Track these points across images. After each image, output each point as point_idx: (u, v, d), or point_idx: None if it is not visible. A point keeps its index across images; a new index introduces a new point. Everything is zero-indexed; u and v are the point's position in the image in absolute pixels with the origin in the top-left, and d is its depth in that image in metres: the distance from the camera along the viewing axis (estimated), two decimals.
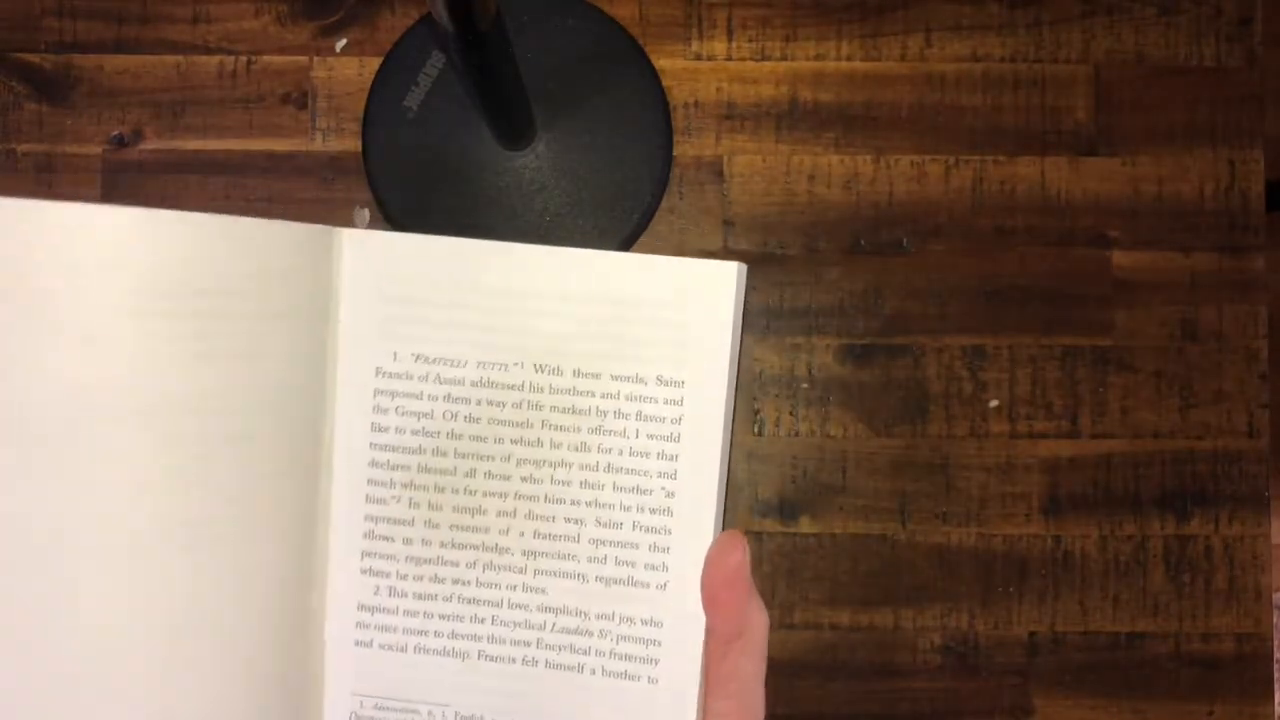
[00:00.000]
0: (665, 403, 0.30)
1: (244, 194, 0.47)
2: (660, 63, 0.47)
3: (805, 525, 0.47)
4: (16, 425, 0.25)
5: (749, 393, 0.47)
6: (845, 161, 0.47)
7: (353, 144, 0.47)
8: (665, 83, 0.47)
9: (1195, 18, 0.48)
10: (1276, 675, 0.47)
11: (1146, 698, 0.47)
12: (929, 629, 0.47)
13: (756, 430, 0.47)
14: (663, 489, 0.30)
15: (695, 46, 0.48)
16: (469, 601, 0.30)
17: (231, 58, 0.47)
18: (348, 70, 0.47)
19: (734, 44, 0.47)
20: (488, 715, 0.30)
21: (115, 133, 0.47)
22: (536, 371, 0.30)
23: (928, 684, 0.46)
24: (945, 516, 0.47)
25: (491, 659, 0.30)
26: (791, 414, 0.47)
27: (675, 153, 0.47)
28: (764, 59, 0.47)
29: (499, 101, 0.41)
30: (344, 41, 0.48)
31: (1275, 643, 0.47)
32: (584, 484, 0.30)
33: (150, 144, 0.47)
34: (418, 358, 0.30)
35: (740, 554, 0.30)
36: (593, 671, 0.30)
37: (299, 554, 0.30)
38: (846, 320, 0.47)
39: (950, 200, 0.47)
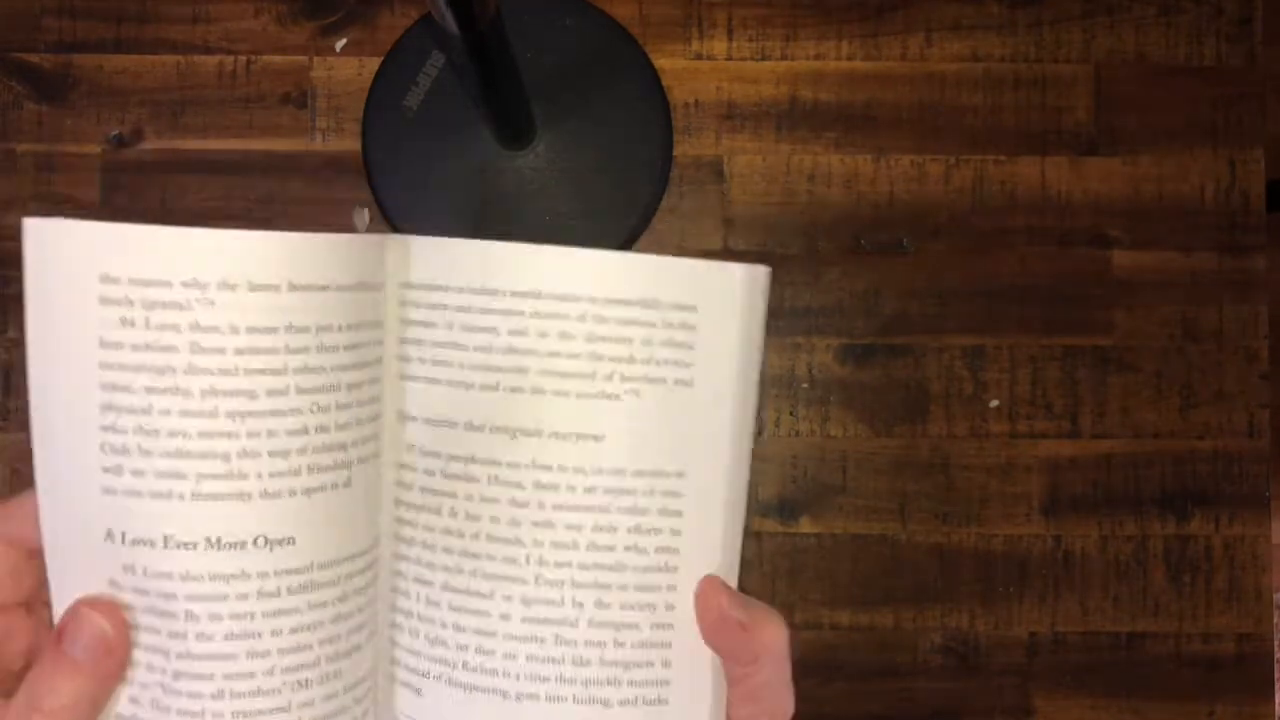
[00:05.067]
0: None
1: (244, 194, 0.47)
2: (660, 63, 0.47)
3: (805, 525, 0.47)
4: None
5: None
6: (845, 161, 0.47)
7: (353, 144, 0.47)
8: (665, 83, 0.47)
9: (1195, 17, 0.47)
10: (1277, 675, 0.47)
11: (1146, 698, 0.47)
12: (929, 629, 0.47)
13: (757, 430, 0.47)
14: (663, 511, 0.29)
15: (695, 46, 0.47)
16: (465, 631, 0.30)
17: (231, 58, 0.47)
18: (347, 70, 0.47)
19: (734, 44, 0.47)
20: None
21: (115, 132, 0.47)
22: (512, 438, 0.29)
23: (928, 684, 0.46)
24: (945, 516, 0.47)
25: (488, 691, 0.30)
26: (791, 414, 0.47)
27: (675, 153, 0.47)
28: (764, 59, 0.47)
29: (499, 101, 0.41)
30: (344, 41, 0.48)
31: (1275, 643, 0.47)
32: (587, 508, 0.29)
33: (150, 144, 0.47)
34: (422, 419, 0.30)
35: (721, 600, 0.29)
36: (605, 702, 0.30)
37: (361, 557, 0.30)
38: (846, 320, 0.47)
39: (950, 200, 0.47)
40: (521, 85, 0.42)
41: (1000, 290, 0.47)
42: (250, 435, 0.27)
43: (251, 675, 0.28)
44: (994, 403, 0.47)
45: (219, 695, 0.27)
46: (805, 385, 0.47)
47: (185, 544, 0.27)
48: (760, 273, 0.29)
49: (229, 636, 0.27)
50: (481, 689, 0.29)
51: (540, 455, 0.29)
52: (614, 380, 0.28)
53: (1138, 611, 0.47)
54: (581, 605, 0.29)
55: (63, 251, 0.26)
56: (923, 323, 0.47)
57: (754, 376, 0.30)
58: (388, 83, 0.46)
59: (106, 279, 0.26)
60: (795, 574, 0.47)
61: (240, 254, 0.26)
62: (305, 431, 0.27)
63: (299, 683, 0.28)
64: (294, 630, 0.28)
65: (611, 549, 0.29)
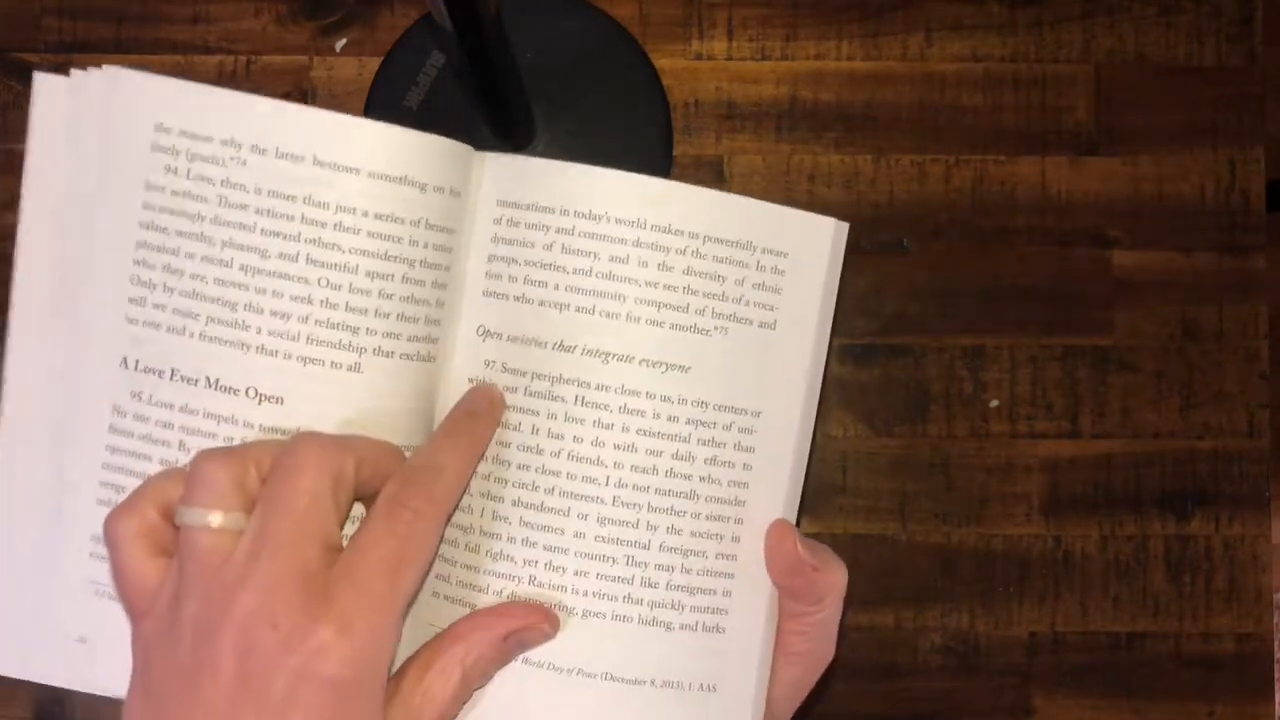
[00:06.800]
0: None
1: None
2: (660, 63, 0.47)
3: (805, 525, 0.47)
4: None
5: None
6: (845, 161, 0.47)
7: None
8: (665, 83, 0.47)
9: (1195, 17, 0.47)
10: (1277, 675, 0.47)
11: (1146, 698, 0.47)
12: (929, 629, 0.47)
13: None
14: (738, 446, 0.31)
15: (695, 46, 0.48)
16: (535, 547, 0.30)
17: (231, 58, 0.47)
18: (348, 70, 0.47)
19: (734, 44, 0.47)
20: (555, 661, 0.30)
21: None
22: (605, 362, 0.30)
23: (928, 684, 0.46)
24: (945, 516, 0.47)
25: (553, 608, 0.30)
26: None
27: (675, 153, 0.47)
28: (764, 59, 0.47)
29: (499, 101, 0.41)
30: (344, 41, 0.48)
31: (1275, 643, 0.47)
32: (670, 435, 0.30)
33: None
34: (512, 340, 0.30)
35: (792, 540, 0.30)
36: (667, 625, 0.30)
37: None
38: (846, 320, 0.47)
39: (950, 200, 0.47)
40: (521, 85, 0.42)
41: (1000, 290, 0.47)
42: (257, 291, 0.28)
43: None
44: (994, 403, 0.47)
45: None
46: None
47: (188, 379, 0.29)
48: (844, 227, 0.31)
49: None
50: (547, 605, 0.30)
51: (630, 381, 0.30)
52: (706, 315, 0.30)
53: (1138, 611, 0.47)
54: (655, 529, 0.30)
55: (124, 98, 0.28)
56: (923, 323, 0.47)
57: (828, 328, 0.31)
58: (388, 83, 0.46)
59: (160, 128, 0.28)
60: None
61: (272, 120, 0.28)
62: (308, 301, 0.28)
63: None
64: None
65: (688, 477, 0.30)
